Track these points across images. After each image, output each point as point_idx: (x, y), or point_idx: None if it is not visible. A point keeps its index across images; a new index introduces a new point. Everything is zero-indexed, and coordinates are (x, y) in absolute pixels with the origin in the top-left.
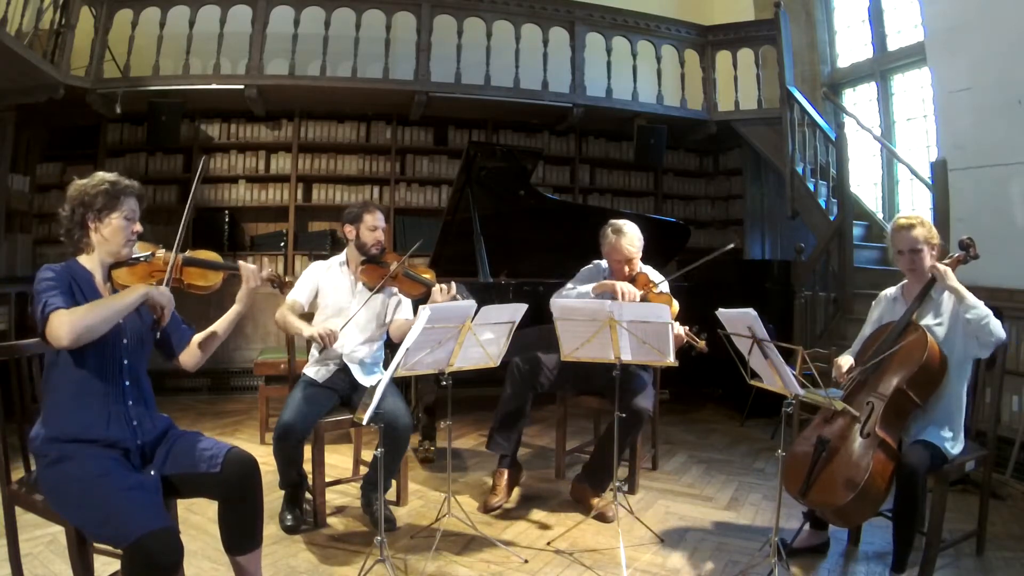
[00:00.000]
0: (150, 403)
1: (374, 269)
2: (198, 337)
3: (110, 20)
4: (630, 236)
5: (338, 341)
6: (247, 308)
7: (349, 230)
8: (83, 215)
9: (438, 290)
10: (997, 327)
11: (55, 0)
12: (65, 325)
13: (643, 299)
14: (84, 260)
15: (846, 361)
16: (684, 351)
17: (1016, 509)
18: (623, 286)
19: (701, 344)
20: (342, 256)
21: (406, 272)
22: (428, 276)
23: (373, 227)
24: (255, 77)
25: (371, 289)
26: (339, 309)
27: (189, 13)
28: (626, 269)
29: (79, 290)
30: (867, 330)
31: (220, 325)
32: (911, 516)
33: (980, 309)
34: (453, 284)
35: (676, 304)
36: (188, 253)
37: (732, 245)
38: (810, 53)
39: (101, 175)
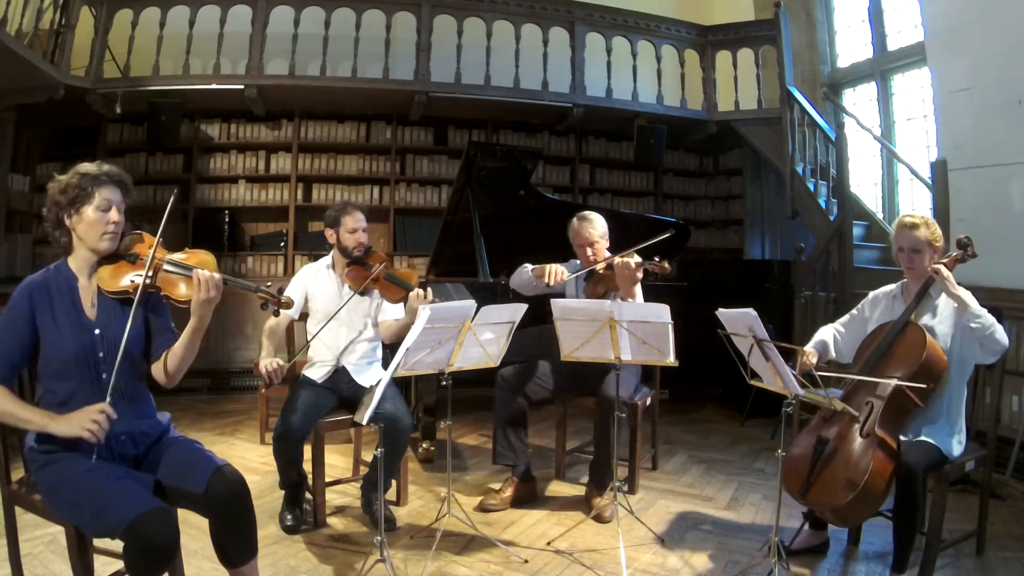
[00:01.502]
0: (143, 410)
1: (358, 271)
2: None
3: (110, 20)
4: (592, 222)
5: (333, 343)
6: (202, 323)
7: (330, 234)
8: (58, 214)
9: (415, 296)
10: (1003, 335)
11: (55, 0)
12: None
13: (609, 265)
14: (71, 261)
15: (812, 355)
16: (651, 277)
17: (1016, 509)
18: (550, 268)
19: (663, 265)
20: (329, 259)
21: (387, 276)
22: (410, 278)
23: (352, 229)
24: (255, 77)
25: (353, 292)
26: (328, 313)
27: (189, 13)
28: (589, 252)
29: (48, 303)
30: (858, 316)
31: (179, 346)
32: (911, 516)
33: (985, 318)
34: (430, 289)
35: (638, 256)
36: (180, 255)
37: (668, 233)
38: (810, 53)
39: (78, 166)
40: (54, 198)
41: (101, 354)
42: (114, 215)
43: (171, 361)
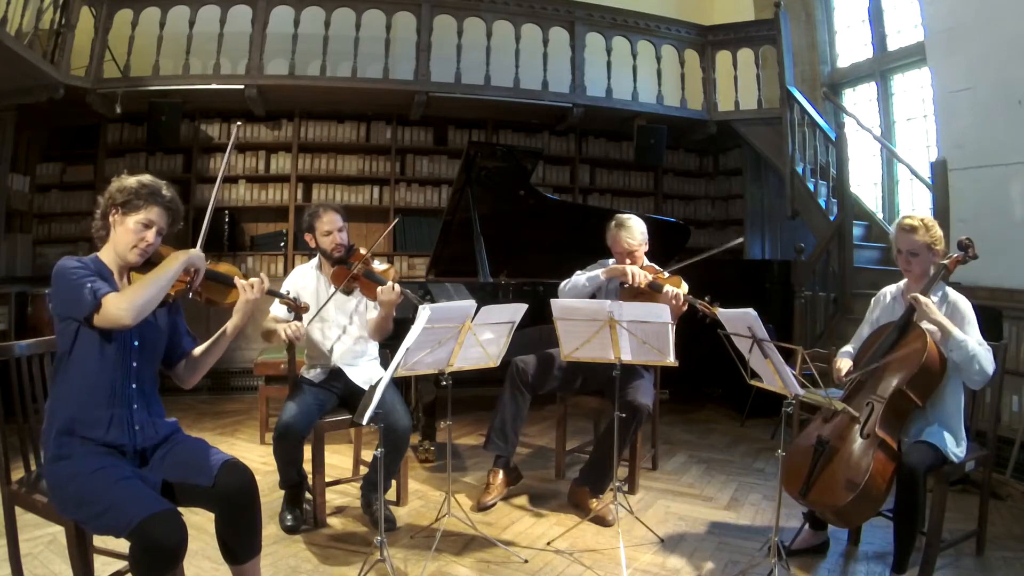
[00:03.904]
0: (156, 408)
1: (341, 271)
2: (196, 351)
3: (110, 20)
4: (631, 229)
5: (325, 343)
6: (244, 321)
7: (308, 238)
8: (108, 208)
9: (385, 289)
10: (986, 363)
11: (55, 0)
12: (124, 303)
13: (653, 284)
14: (104, 255)
15: (845, 364)
16: (700, 320)
17: (1016, 509)
18: (632, 269)
19: (714, 310)
20: (316, 260)
21: (366, 273)
22: (388, 275)
23: (327, 231)
24: (255, 77)
25: (338, 292)
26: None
27: (189, 13)
28: (627, 262)
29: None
30: (864, 330)
31: (215, 342)
32: (912, 516)
33: (965, 349)
34: (397, 286)
35: (685, 285)
36: (209, 265)
37: (740, 240)
38: (810, 53)
39: (144, 176)
40: (112, 193)
41: (136, 343)
42: (150, 236)
43: (202, 359)
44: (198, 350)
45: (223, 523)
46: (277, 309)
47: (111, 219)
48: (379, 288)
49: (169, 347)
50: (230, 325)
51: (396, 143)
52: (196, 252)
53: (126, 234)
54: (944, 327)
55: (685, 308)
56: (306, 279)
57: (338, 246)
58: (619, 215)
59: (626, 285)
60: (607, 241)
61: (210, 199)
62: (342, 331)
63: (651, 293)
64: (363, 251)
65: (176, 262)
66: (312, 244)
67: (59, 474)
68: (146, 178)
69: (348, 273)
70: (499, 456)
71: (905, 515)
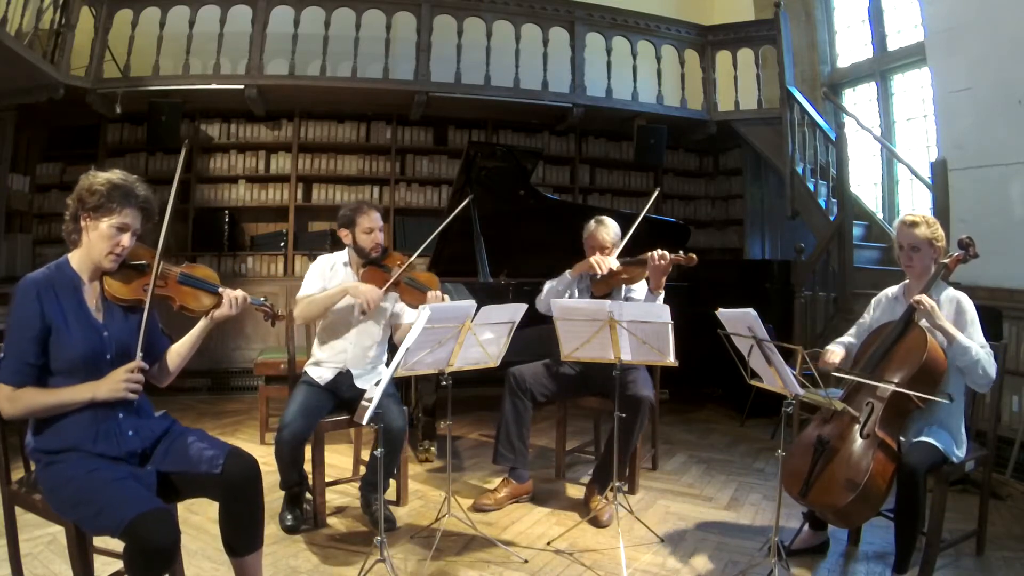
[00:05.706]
0: (145, 410)
1: (375, 272)
2: (171, 349)
3: (110, 20)
4: (608, 226)
5: (342, 346)
6: (211, 327)
7: (345, 234)
8: (77, 210)
9: (434, 296)
10: (990, 368)
11: (55, 0)
12: (8, 408)
13: (636, 260)
14: (74, 259)
15: (838, 354)
16: (680, 269)
17: (1016, 509)
18: (597, 258)
19: (691, 256)
20: (345, 256)
21: (408, 280)
22: (431, 282)
23: (369, 229)
24: (255, 77)
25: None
26: (340, 309)
27: (189, 13)
28: (597, 256)
29: (55, 301)
30: (865, 321)
31: (185, 345)
32: (912, 517)
33: (969, 355)
34: (447, 296)
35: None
36: (184, 268)
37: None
38: (810, 53)
39: (114, 173)
40: (81, 194)
41: (109, 356)
42: (125, 240)
43: (172, 360)
44: (173, 349)
45: (227, 513)
46: (308, 287)
47: (82, 223)
48: (429, 294)
49: (150, 348)
50: (198, 329)
51: (396, 143)
52: (107, 388)
53: (100, 240)
54: (949, 332)
55: (669, 264)
56: (335, 271)
57: (377, 246)
58: (599, 216)
59: (598, 276)
60: (583, 236)
61: (210, 199)
62: (364, 335)
63: (631, 269)
64: (396, 254)
65: (80, 397)
66: (348, 240)
67: (56, 477)
68: (116, 176)
69: (386, 276)
70: (513, 468)
71: (905, 515)
